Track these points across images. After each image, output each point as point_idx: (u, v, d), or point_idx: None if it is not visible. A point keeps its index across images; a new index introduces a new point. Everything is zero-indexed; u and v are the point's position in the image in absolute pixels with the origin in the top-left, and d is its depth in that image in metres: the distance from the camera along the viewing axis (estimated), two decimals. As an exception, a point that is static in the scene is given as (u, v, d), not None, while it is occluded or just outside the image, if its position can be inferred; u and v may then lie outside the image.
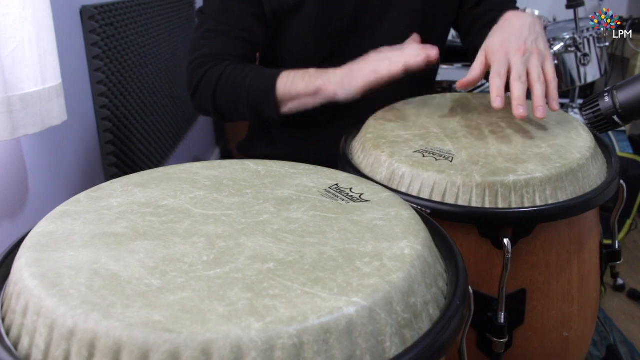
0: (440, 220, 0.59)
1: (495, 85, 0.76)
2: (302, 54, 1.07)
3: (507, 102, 0.83)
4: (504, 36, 0.82)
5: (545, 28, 0.88)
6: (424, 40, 1.10)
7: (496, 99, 0.74)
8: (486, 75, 0.85)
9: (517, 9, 1.10)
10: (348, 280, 0.43)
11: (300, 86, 0.94)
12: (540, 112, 0.74)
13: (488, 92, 0.93)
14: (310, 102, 0.95)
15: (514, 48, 0.79)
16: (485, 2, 1.09)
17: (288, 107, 0.97)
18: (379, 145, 0.75)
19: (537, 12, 0.90)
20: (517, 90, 0.75)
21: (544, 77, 0.77)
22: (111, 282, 0.42)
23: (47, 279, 0.42)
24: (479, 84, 1.72)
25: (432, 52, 0.83)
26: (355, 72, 0.88)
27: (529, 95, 0.77)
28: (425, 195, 0.68)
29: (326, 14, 1.02)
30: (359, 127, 0.85)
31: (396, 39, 1.06)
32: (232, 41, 1.01)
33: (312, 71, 0.94)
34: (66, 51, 1.07)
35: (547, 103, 0.76)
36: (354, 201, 0.56)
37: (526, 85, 0.76)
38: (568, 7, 1.69)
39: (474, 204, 0.66)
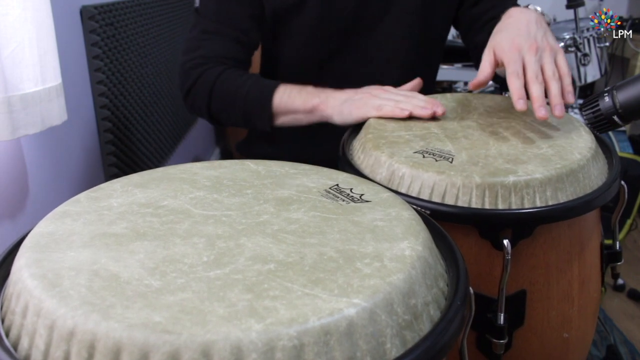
0: (440, 221, 0.58)
1: (515, 86, 0.74)
2: (303, 54, 1.07)
3: (510, 102, 0.83)
4: (513, 34, 0.80)
5: (548, 24, 0.87)
6: (424, 40, 1.10)
7: (519, 101, 0.73)
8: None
9: (518, 6, 1.10)
10: (348, 281, 0.42)
11: (297, 102, 0.93)
12: (558, 110, 0.73)
13: (488, 92, 0.92)
14: (304, 120, 0.95)
15: (525, 46, 0.78)
16: (485, 0, 1.09)
17: (281, 121, 0.97)
18: (379, 145, 0.75)
19: (539, 9, 0.89)
20: (536, 91, 0.74)
21: (557, 74, 0.76)
22: (111, 282, 0.42)
23: (46, 279, 0.42)
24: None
25: (439, 109, 0.83)
26: (357, 102, 0.88)
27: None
28: (425, 196, 0.67)
29: (327, 13, 1.02)
30: (359, 127, 0.85)
31: (397, 38, 1.07)
32: (228, 43, 1.01)
33: (310, 89, 0.94)
34: (66, 51, 1.07)
35: (563, 97, 0.75)
36: (355, 202, 0.56)
37: (543, 85, 0.75)
38: (568, 7, 1.69)
39: (473, 205, 0.66)
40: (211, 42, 1.01)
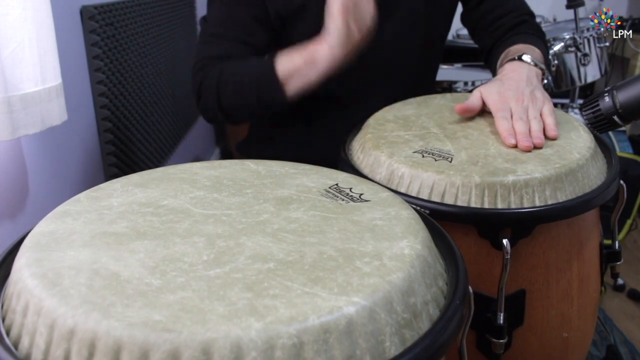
0: (439, 220, 0.59)
1: (504, 127, 0.78)
2: None
3: None
4: (502, 89, 0.84)
5: (543, 73, 0.91)
6: (426, 40, 1.10)
7: (508, 137, 0.76)
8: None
9: (524, 5, 1.10)
10: (348, 279, 0.43)
11: (296, 59, 0.92)
12: (535, 140, 0.76)
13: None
14: (311, 74, 0.92)
15: (513, 99, 0.82)
16: (489, 1, 1.09)
17: (292, 86, 0.94)
18: (378, 145, 0.75)
19: (531, 62, 0.91)
20: (519, 127, 0.77)
21: (540, 118, 0.80)
22: (111, 281, 0.42)
23: (47, 278, 0.42)
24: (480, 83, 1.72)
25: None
26: (327, 16, 0.88)
27: None
28: (424, 195, 0.68)
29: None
30: (359, 127, 0.85)
31: (399, 39, 1.07)
32: (233, 44, 1.01)
33: (305, 44, 0.93)
34: (66, 51, 1.07)
35: (546, 133, 0.78)
36: (354, 201, 0.56)
37: (528, 124, 0.78)
38: (568, 7, 1.69)
39: (473, 205, 0.66)
40: (215, 44, 1.01)
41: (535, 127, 0.77)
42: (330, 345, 0.38)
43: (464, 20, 1.15)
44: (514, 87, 0.84)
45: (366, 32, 0.88)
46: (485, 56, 1.12)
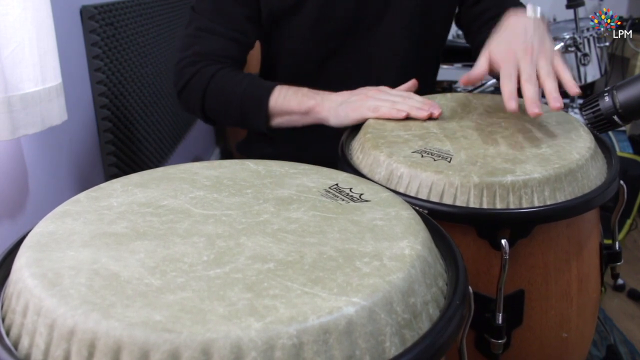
0: (438, 220, 0.59)
1: (507, 88, 0.74)
2: (301, 54, 1.07)
3: None
4: (509, 37, 0.81)
5: (548, 25, 0.86)
6: (425, 40, 1.10)
7: (509, 101, 0.73)
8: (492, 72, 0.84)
9: (521, 4, 1.10)
10: (348, 280, 0.43)
11: (292, 103, 0.93)
12: (554, 101, 0.72)
13: (488, 92, 0.92)
14: (300, 121, 0.94)
15: (520, 49, 0.78)
16: (486, 0, 1.09)
17: (277, 122, 0.96)
18: (377, 145, 0.75)
19: (539, 10, 0.88)
20: (529, 91, 0.73)
21: (554, 74, 0.76)
22: (111, 282, 0.42)
23: (47, 278, 0.42)
24: (479, 83, 1.72)
25: (435, 111, 0.83)
26: (353, 104, 0.87)
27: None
28: (423, 195, 0.68)
29: (325, 14, 1.02)
30: (359, 127, 0.86)
31: (395, 39, 1.07)
32: (223, 41, 1.00)
33: (305, 90, 0.93)
34: (66, 51, 1.07)
35: (567, 89, 0.75)
36: (354, 201, 0.56)
37: (537, 86, 0.74)
38: (568, 7, 1.69)
39: (471, 205, 0.66)
40: (206, 39, 1.00)
41: (550, 87, 0.73)
42: (330, 346, 0.38)
43: (459, 20, 1.15)
44: (522, 34, 0.80)
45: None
46: (477, 54, 1.12)
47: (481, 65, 0.82)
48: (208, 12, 1.01)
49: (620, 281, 1.71)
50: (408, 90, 0.92)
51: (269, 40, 1.08)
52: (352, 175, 0.64)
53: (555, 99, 0.72)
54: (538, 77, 0.76)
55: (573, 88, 0.74)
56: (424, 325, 0.44)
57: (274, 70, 1.12)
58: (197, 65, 0.98)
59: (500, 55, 0.79)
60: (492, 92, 1.86)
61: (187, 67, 0.99)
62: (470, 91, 1.34)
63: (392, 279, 0.43)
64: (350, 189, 0.59)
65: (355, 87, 0.93)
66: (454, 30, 1.24)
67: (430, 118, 0.84)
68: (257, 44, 1.10)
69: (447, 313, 0.45)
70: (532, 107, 0.72)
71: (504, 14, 0.90)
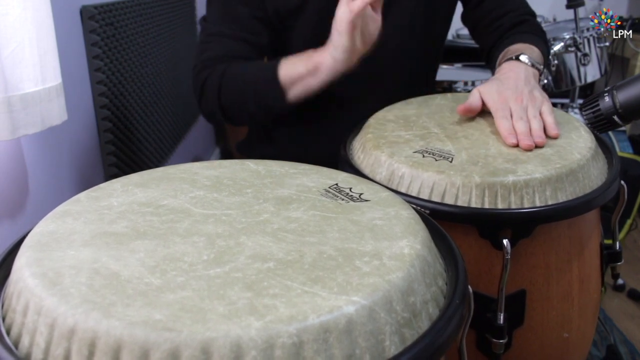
0: (440, 220, 0.59)
1: (505, 126, 0.78)
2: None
3: None
4: (501, 88, 0.84)
5: (540, 73, 0.92)
6: (425, 40, 1.10)
7: (509, 137, 0.76)
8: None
9: (525, 4, 1.10)
10: (348, 279, 0.43)
11: (299, 67, 0.93)
12: (537, 139, 0.76)
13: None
14: (313, 83, 0.93)
15: (512, 98, 0.82)
16: (489, 1, 1.09)
17: (293, 93, 0.95)
18: (379, 145, 0.75)
19: (528, 62, 0.91)
20: (520, 127, 0.77)
21: (539, 117, 0.80)
22: (111, 281, 0.42)
23: (47, 278, 0.42)
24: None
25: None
26: (333, 31, 0.88)
27: None
28: (424, 195, 0.68)
29: (329, 13, 1.02)
30: (360, 127, 0.85)
31: (399, 38, 1.07)
32: (233, 42, 1.01)
33: (309, 52, 0.94)
34: (66, 51, 1.07)
35: (546, 132, 0.78)
36: (354, 201, 0.56)
37: (528, 124, 0.78)
38: (568, 7, 1.69)
39: (473, 205, 0.66)
40: (215, 43, 1.01)
41: (536, 126, 0.77)
42: (330, 345, 0.38)
43: (465, 19, 1.15)
44: (513, 87, 0.84)
45: (371, 45, 0.88)
46: (485, 56, 1.12)
47: (476, 97, 0.85)
48: (217, 17, 1.02)
49: (620, 281, 1.71)
50: None
51: (276, 41, 1.09)
52: (352, 175, 0.64)
53: (538, 136, 0.76)
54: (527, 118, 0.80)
55: (552, 130, 0.78)
56: (424, 324, 0.44)
57: None
58: (208, 70, 0.99)
59: (493, 101, 0.83)
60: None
61: (201, 72, 1.00)
62: (470, 91, 1.34)
63: (392, 278, 0.43)
64: (350, 188, 0.59)
65: (357, 86, 0.93)
66: (453, 30, 1.24)
67: (432, 117, 0.84)
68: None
69: (447, 312, 0.45)
70: (525, 140, 0.75)
71: (498, 67, 0.93)
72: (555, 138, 0.77)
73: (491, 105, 0.82)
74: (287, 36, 1.05)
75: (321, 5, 1.01)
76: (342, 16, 0.85)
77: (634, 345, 1.45)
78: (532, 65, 0.89)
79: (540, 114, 0.80)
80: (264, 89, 0.95)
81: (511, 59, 0.92)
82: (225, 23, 1.01)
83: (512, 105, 0.81)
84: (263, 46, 1.04)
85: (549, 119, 0.79)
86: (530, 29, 1.05)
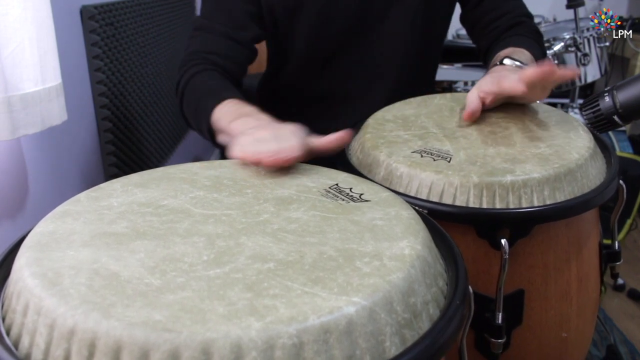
0: (438, 220, 0.59)
1: (472, 97, 0.79)
2: (304, 52, 1.07)
3: (505, 103, 0.84)
4: (494, 74, 0.84)
5: None
6: (424, 40, 1.10)
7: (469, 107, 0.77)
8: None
9: (523, 6, 1.10)
10: (348, 280, 0.43)
11: (222, 122, 0.83)
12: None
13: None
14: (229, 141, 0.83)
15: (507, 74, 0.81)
16: (487, 2, 1.10)
17: (222, 139, 0.86)
18: (377, 145, 0.75)
19: (511, 64, 0.92)
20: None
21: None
22: (111, 281, 0.42)
23: (47, 278, 0.42)
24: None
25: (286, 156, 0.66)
26: (232, 144, 0.72)
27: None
28: (422, 195, 0.68)
29: (327, 14, 1.02)
30: (358, 127, 0.85)
31: (398, 37, 1.07)
32: (216, 38, 0.99)
33: (244, 110, 0.83)
34: (66, 51, 1.07)
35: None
36: (354, 201, 0.56)
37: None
38: (568, 7, 1.69)
39: (471, 205, 0.66)
40: (200, 38, 0.99)
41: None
42: (330, 345, 0.38)
43: (463, 20, 1.15)
44: (508, 74, 0.83)
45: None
46: (482, 56, 1.13)
47: (474, 99, 0.83)
48: (209, 11, 1.01)
49: (620, 281, 1.71)
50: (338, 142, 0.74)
51: (273, 41, 1.09)
52: (352, 175, 0.64)
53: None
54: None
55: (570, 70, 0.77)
56: (424, 325, 0.44)
57: (279, 71, 1.12)
58: (186, 66, 0.97)
59: (488, 84, 0.82)
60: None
61: (180, 68, 0.98)
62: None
63: (392, 278, 0.43)
64: (350, 188, 0.59)
65: (358, 84, 0.92)
66: (453, 30, 1.25)
67: (432, 117, 0.84)
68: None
69: (447, 313, 0.45)
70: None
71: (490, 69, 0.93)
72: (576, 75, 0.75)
73: (486, 91, 0.82)
74: (285, 34, 1.05)
75: (320, 6, 1.01)
76: (236, 151, 0.70)
77: (634, 345, 1.45)
78: (517, 67, 0.89)
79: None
80: (201, 120, 0.89)
81: (495, 64, 0.92)
82: (214, 17, 0.99)
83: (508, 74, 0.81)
84: (246, 42, 1.01)
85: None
86: (525, 32, 1.06)
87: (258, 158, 0.65)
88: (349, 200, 0.57)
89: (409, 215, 0.54)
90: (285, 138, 0.69)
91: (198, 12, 2.13)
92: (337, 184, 0.61)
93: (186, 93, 0.96)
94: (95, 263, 0.44)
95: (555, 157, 0.70)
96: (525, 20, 1.09)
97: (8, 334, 0.43)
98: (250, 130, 0.74)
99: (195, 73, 0.95)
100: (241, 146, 0.69)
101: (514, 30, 1.06)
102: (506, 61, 0.90)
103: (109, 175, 1.28)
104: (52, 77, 0.84)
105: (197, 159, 2.25)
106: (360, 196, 0.58)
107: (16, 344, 0.42)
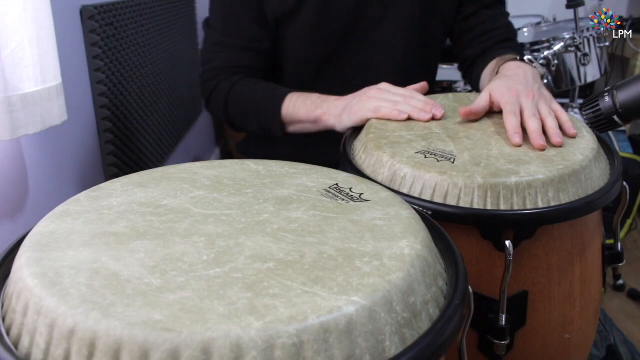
0: (442, 221, 0.58)
1: (512, 124, 0.75)
2: (302, 57, 1.07)
3: None
4: (510, 83, 0.82)
5: (542, 77, 0.91)
6: (423, 42, 1.10)
7: (515, 136, 0.74)
8: None
9: (509, 24, 1.12)
10: (348, 279, 0.42)
11: (301, 113, 0.97)
12: (555, 137, 0.74)
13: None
14: (312, 128, 0.98)
15: (523, 93, 0.80)
16: (479, 15, 1.12)
17: (292, 129, 1.01)
18: (380, 146, 0.75)
19: (535, 64, 0.92)
20: (533, 124, 0.75)
21: (553, 114, 0.78)
22: (111, 281, 0.42)
23: (47, 278, 0.42)
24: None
25: (438, 112, 0.83)
26: (354, 107, 0.87)
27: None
28: (426, 196, 0.67)
29: (324, 18, 1.02)
30: (361, 128, 0.85)
31: (395, 41, 1.07)
32: (239, 53, 1.05)
33: (314, 97, 0.96)
34: (66, 51, 1.07)
35: (563, 130, 0.76)
36: (354, 201, 0.56)
37: (540, 121, 0.76)
38: (568, 7, 1.69)
39: (475, 206, 0.66)
40: (223, 54, 1.06)
41: (552, 124, 0.75)
42: (330, 345, 0.38)
43: (451, 27, 1.16)
44: (523, 82, 0.82)
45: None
46: (468, 64, 1.14)
47: (484, 100, 0.83)
48: (221, 24, 1.06)
49: (620, 281, 1.71)
50: (417, 91, 0.91)
51: (274, 45, 1.09)
52: (352, 175, 0.64)
53: (556, 135, 0.74)
54: (540, 114, 0.78)
55: (571, 129, 0.76)
56: (424, 325, 0.44)
57: (277, 74, 1.12)
58: (215, 80, 1.05)
59: (502, 95, 0.81)
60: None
61: (208, 81, 1.06)
62: (470, 91, 1.34)
63: (392, 278, 0.43)
64: (350, 188, 0.59)
65: (354, 89, 0.93)
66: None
67: (433, 119, 0.84)
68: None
69: (447, 312, 0.44)
70: (538, 139, 0.73)
71: (505, 64, 0.93)
72: (573, 137, 0.75)
73: (500, 99, 0.80)
74: (282, 38, 1.06)
75: (317, 8, 1.01)
76: (374, 106, 0.85)
77: (634, 345, 1.45)
78: (536, 68, 0.90)
79: (554, 112, 0.78)
80: (266, 119, 1.01)
81: (515, 59, 0.92)
82: (228, 31, 1.05)
83: (523, 100, 0.78)
84: (266, 50, 1.06)
85: (564, 117, 0.77)
86: (515, 47, 1.10)
87: (408, 114, 0.83)
88: (349, 200, 0.56)
89: (408, 215, 0.54)
90: (407, 96, 0.87)
91: (198, 12, 2.14)
92: (337, 184, 0.60)
93: (232, 100, 1.04)
94: (96, 263, 0.44)
95: (560, 159, 0.70)
96: (514, 37, 1.14)
97: (8, 334, 0.43)
98: (361, 97, 0.89)
99: (235, 82, 1.04)
100: (377, 107, 0.84)
101: (505, 44, 1.10)
102: (528, 58, 0.91)
103: (109, 175, 1.28)
104: (52, 77, 0.84)
105: (197, 159, 2.25)
106: (360, 196, 0.58)
107: (16, 344, 0.41)
